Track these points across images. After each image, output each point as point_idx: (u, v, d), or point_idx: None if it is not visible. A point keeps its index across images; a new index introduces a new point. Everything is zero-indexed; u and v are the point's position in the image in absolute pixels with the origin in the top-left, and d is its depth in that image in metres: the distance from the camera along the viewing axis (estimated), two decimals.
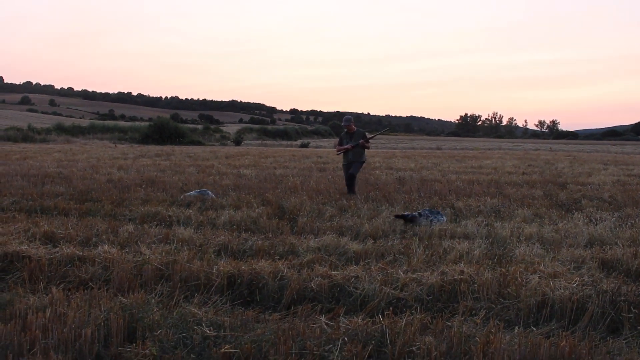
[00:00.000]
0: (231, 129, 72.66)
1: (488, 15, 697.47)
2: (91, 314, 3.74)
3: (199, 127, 65.20)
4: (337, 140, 11.38)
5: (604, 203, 9.44)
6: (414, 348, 3.37)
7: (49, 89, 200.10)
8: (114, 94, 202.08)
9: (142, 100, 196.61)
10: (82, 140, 41.49)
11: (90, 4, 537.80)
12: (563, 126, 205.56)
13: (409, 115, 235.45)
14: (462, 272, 4.63)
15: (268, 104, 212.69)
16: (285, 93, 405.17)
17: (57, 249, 5.40)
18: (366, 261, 5.25)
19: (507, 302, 4.18)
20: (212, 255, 5.31)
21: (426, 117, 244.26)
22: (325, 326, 3.68)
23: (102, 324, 3.58)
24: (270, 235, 6.38)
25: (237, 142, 47.83)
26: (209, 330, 3.57)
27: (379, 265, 4.99)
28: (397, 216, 7.40)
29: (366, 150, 10.26)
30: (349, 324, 3.69)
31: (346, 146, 10.08)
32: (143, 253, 5.28)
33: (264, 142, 54.93)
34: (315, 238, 6.18)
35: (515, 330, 3.73)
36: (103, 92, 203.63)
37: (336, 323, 3.73)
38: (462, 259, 5.31)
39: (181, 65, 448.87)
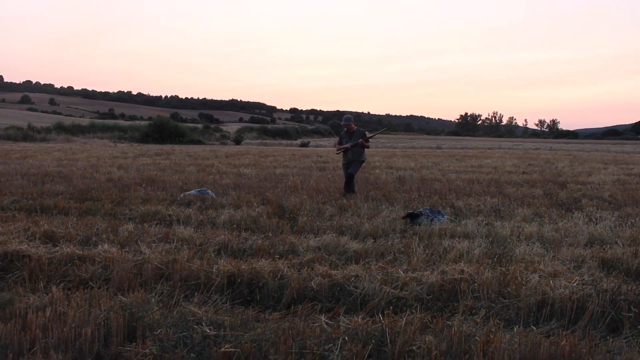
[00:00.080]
0: (231, 128, 72.66)
1: (488, 15, 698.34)
2: (91, 313, 3.73)
3: (199, 126, 65.21)
4: (337, 139, 11.37)
5: (604, 202, 9.44)
6: (414, 347, 3.37)
7: (49, 88, 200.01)
8: (113, 93, 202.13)
9: (142, 100, 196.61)
10: (82, 139, 41.49)
11: (90, 4, 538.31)
12: (563, 125, 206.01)
13: (409, 114, 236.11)
14: (462, 271, 4.63)
15: (268, 103, 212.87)
16: (285, 92, 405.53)
17: (57, 248, 5.40)
18: (366, 260, 5.25)
19: (507, 301, 4.18)
20: (212, 255, 5.31)
21: (426, 117, 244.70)
22: (325, 325, 3.68)
23: (102, 323, 3.58)
24: (270, 235, 6.38)
25: (237, 141, 47.81)
26: (209, 329, 3.57)
27: (379, 265, 4.99)
28: (404, 217, 7.34)
29: (366, 149, 10.26)
30: (349, 323, 3.69)
31: (346, 145, 10.07)
32: (143, 252, 5.28)
33: (264, 141, 54.91)
34: (315, 237, 6.18)
35: (515, 330, 3.73)
36: (103, 91, 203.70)
37: (336, 322, 3.73)
38: (462, 258, 5.31)
39: (181, 65, 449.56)
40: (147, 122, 54.96)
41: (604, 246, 5.87)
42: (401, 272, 4.67)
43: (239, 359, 3.29)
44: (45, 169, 14.23)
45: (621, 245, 5.90)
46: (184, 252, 5.24)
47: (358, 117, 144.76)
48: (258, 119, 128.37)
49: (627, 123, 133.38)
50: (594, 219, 7.62)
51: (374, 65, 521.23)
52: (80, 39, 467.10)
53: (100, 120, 66.74)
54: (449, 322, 3.76)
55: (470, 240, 6.12)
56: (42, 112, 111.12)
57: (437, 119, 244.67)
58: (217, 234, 6.23)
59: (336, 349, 3.32)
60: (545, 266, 4.91)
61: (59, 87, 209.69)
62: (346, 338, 3.44)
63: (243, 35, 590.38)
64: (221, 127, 72.95)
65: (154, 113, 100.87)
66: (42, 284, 4.55)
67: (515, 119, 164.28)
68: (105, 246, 5.46)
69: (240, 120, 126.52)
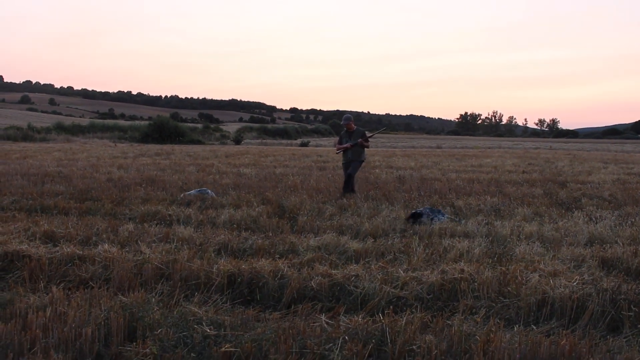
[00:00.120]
0: (231, 127, 72.65)
1: (488, 15, 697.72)
2: (91, 313, 3.74)
3: (199, 126, 65.19)
4: (336, 139, 11.37)
5: (604, 201, 9.44)
6: (414, 347, 3.37)
7: (48, 88, 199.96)
8: (113, 93, 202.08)
9: (142, 100, 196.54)
10: (82, 139, 41.48)
11: (90, 4, 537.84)
12: (563, 125, 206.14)
13: (409, 114, 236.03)
14: (462, 270, 4.64)
15: (268, 103, 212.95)
16: (285, 92, 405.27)
17: (57, 248, 5.40)
18: (366, 260, 5.25)
19: (508, 300, 4.18)
20: (212, 254, 5.31)
21: (426, 116, 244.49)
22: (325, 325, 3.68)
23: (103, 323, 3.58)
24: (270, 234, 6.38)
25: (237, 141, 47.80)
26: (209, 329, 3.57)
27: (379, 264, 4.99)
28: (408, 218, 7.32)
29: (366, 149, 10.26)
30: (349, 322, 3.69)
31: (345, 145, 10.07)
32: (143, 252, 5.28)
33: (264, 141, 54.94)
34: (315, 237, 6.18)
35: (516, 329, 3.72)
36: (103, 91, 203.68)
37: (336, 322, 3.73)
38: (462, 258, 5.31)
39: (181, 65, 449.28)
40: (147, 122, 54.95)
41: (604, 245, 5.87)
42: (401, 272, 4.67)
43: (239, 359, 3.29)
44: (45, 169, 14.23)
45: (621, 244, 5.90)
46: (184, 252, 5.24)
47: (358, 116, 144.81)
48: (258, 118, 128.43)
49: (627, 122, 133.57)
50: (594, 218, 7.62)
51: (374, 65, 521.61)
52: (80, 39, 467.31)
53: (100, 120, 66.74)
54: (449, 322, 3.76)
55: (470, 240, 6.12)
56: (42, 112, 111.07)
57: (437, 118, 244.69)
58: (217, 234, 6.23)
59: (336, 349, 3.32)
60: (545, 265, 4.91)
61: (58, 87, 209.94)
62: (346, 337, 3.44)
63: (243, 35, 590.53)
64: (221, 126, 72.97)
65: (154, 113, 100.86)
66: (42, 284, 4.55)
67: (515, 119, 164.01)
68: (106, 246, 5.47)
69: (240, 120, 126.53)
